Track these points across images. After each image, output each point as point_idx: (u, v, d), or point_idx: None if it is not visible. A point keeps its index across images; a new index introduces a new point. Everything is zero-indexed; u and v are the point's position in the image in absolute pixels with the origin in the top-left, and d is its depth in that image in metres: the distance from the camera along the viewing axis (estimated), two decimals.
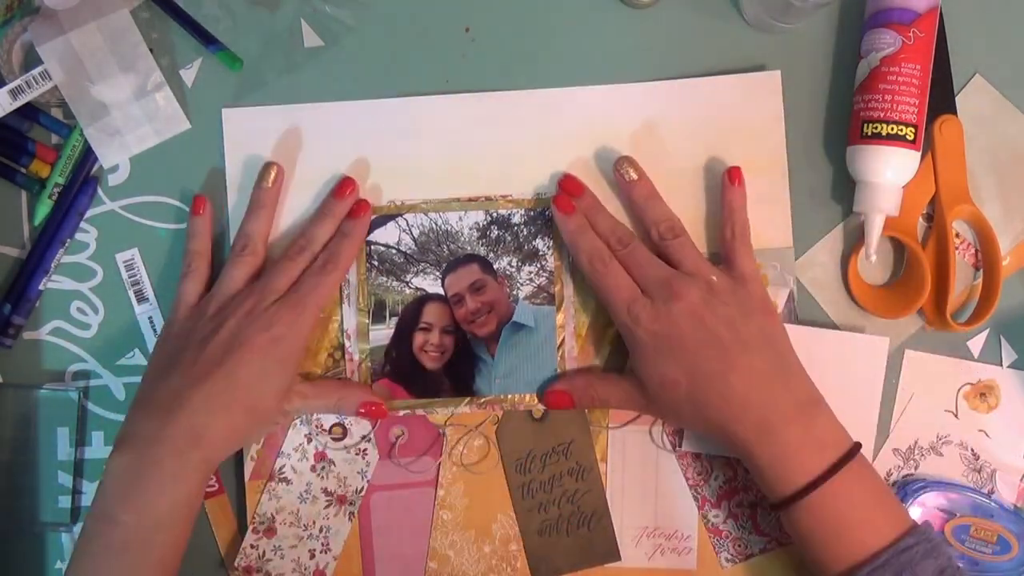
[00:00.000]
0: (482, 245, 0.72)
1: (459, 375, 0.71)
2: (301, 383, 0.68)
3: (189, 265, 0.70)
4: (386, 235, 0.71)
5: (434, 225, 0.71)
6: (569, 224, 0.68)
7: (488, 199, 0.71)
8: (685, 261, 0.67)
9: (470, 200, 0.71)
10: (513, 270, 0.71)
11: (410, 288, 0.71)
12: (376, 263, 0.71)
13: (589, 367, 0.71)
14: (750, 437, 0.63)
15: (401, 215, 0.71)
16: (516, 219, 0.71)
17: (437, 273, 0.71)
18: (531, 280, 0.71)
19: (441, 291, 0.71)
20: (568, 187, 0.70)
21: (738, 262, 0.68)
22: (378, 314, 0.71)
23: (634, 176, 0.69)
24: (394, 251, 0.71)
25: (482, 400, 0.71)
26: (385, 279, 0.71)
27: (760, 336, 0.65)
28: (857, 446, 0.63)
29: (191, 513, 0.63)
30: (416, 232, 0.71)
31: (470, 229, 0.71)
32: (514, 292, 0.71)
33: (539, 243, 0.71)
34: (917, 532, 0.61)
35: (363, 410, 0.69)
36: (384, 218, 0.71)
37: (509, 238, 0.71)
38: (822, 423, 0.63)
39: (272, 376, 0.65)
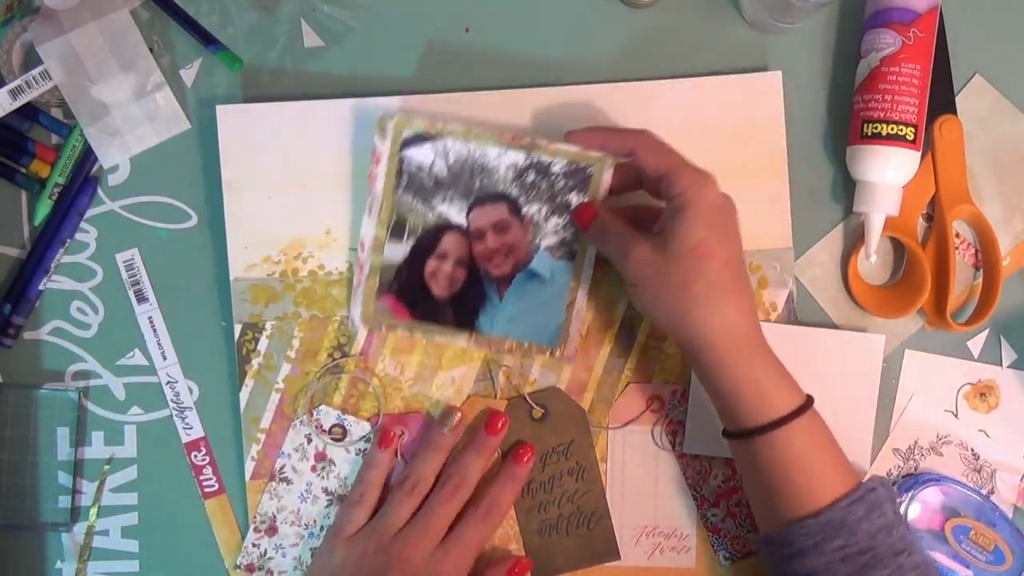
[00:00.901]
0: (515, 186, 0.69)
1: (464, 309, 0.70)
2: None
3: (362, 495, 0.69)
4: (421, 155, 0.69)
5: (472, 155, 0.69)
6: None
7: (534, 142, 0.69)
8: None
9: (514, 139, 0.69)
10: (541, 218, 0.70)
11: (433, 213, 0.70)
12: (405, 181, 0.69)
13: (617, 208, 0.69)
14: (743, 350, 0.61)
15: (441, 138, 0.69)
16: (556, 168, 0.69)
17: (464, 204, 0.70)
18: (556, 232, 0.70)
19: (464, 223, 0.70)
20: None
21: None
22: (396, 231, 0.70)
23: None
24: (425, 174, 0.70)
25: (482, 338, 0.70)
26: (411, 199, 0.70)
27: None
28: (809, 397, 0.63)
29: None
30: (452, 159, 0.69)
31: (507, 168, 0.69)
32: (537, 240, 0.70)
33: (573, 197, 0.69)
34: (864, 487, 0.61)
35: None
36: (422, 137, 0.69)
37: (544, 185, 0.69)
38: (782, 366, 0.63)
39: None
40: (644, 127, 0.70)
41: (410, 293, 0.70)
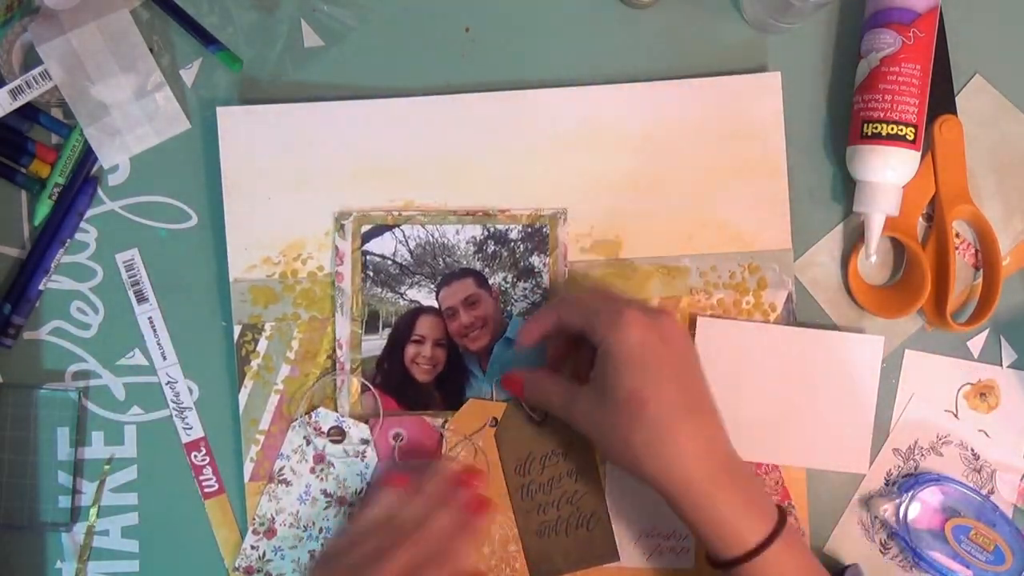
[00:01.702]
0: (478, 259, 0.72)
1: (450, 388, 0.71)
2: None
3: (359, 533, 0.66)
4: (382, 246, 0.71)
5: (431, 238, 0.71)
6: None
7: (486, 214, 0.71)
8: None
9: (468, 214, 0.71)
10: (508, 286, 0.71)
11: (404, 300, 0.71)
12: (371, 273, 0.71)
13: (551, 369, 0.69)
14: (694, 496, 0.60)
15: (398, 226, 0.71)
16: (513, 235, 0.71)
17: (432, 286, 0.71)
18: (525, 296, 0.71)
19: (435, 304, 0.72)
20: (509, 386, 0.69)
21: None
22: (371, 324, 0.71)
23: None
24: (390, 262, 0.71)
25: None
26: (380, 290, 0.71)
27: (709, 395, 0.63)
28: (783, 512, 0.62)
29: None
30: (412, 244, 0.71)
31: (467, 243, 0.71)
32: (508, 308, 0.71)
33: (535, 260, 0.71)
34: None
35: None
36: (381, 228, 0.71)
37: (505, 254, 0.71)
38: (752, 489, 0.62)
39: None
40: (644, 129, 0.70)
41: (394, 383, 0.71)
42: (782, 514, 0.61)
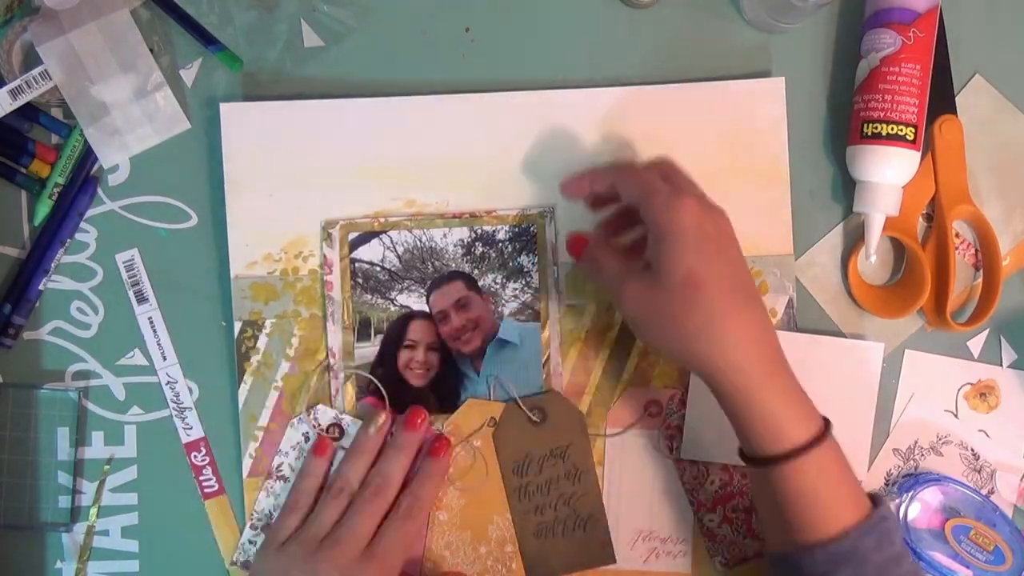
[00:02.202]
0: (467, 262, 0.72)
1: (445, 392, 0.72)
2: None
3: (296, 502, 0.68)
4: (370, 252, 0.71)
5: (418, 242, 0.71)
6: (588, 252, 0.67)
7: (473, 216, 0.71)
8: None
9: (454, 217, 0.71)
10: (498, 287, 0.72)
11: (395, 306, 0.72)
12: (360, 281, 0.71)
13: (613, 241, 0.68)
14: (756, 377, 0.59)
15: (385, 232, 0.71)
16: (501, 235, 0.71)
17: (422, 290, 0.72)
18: (516, 297, 0.71)
19: (426, 308, 0.72)
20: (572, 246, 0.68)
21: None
22: (363, 332, 0.71)
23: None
24: (378, 268, 0.71)
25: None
26: (370, 297, 0.71)
27: (756, 288, 0.63)
28: (827, 421, 0.61)
29: None
30: (400, 249, 0.71)
31: (455, 246, 0.71)
32: (499, 309, 0.72)
33: (524, 260, 0.71)
34: (876, 517, 0.60)
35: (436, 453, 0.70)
36: (368, 235, 0.71)
37: (494, 255, 0.71)
38: (799, 390, 0.61)
39: None
40: (646, 131, 0.70)
41: (389, 389, 0.71)
42: (827, 422, 0.61)
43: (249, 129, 0.72)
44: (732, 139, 0.72)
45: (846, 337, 0.72)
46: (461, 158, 0.72)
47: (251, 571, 0.69)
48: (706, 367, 0.60)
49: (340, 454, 0.71)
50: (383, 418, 0.69)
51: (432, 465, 0.69)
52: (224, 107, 0.72)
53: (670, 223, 0.59)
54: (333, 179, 0.72)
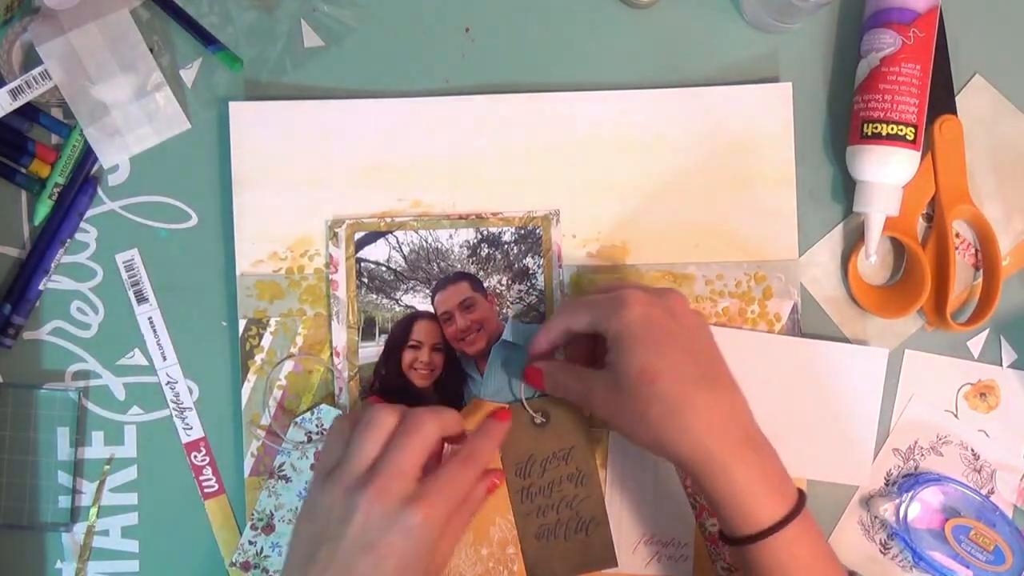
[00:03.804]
0: (472, 263, 0.72)
1: (448, 393, 0.71)
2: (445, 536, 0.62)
3: (342, 430, 0.63)
4: (376, 252, 0.71)
5: (424, 243, 0.71)
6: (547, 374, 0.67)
7: (479, 217, 0.71)
8: None
9: (460, 218, 0.71)
10: (503, 288, 0.72)
11: (400, 306, 0.72)
12: (366, 280, 0.71)
13: (571, 361, 0.68)
14: (710, 468, 0.59)
15: (391, 232, 0.71)
16: (507, 237, 0.71)
17: (427, 291, 0.72)
18: (521, 299, 0.71)
19: (431, 309, 0.72)
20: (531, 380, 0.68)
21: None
22: (368, 331, 0.71)
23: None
24: (384, 268, 0.71)
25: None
26: (375, 296, 0.71)
27: (727, 370, 0.63)
28: (802, 494, 0.61)
29: None
30: (406, 250, 0.71)
31: (460, 247, 0.72)
32: (504, 310, 0.72)
33: (529, 261, 0.71)
34: None
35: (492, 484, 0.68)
36: (374, 235, 0.71)
37: (499, 256, 0.71)
38: (772, 466, 0.61)
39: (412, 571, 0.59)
40: (652, 135, 0.70)
41: (393, 389, 0.71)
42: (801, 497, 0.61)
43: (257, 128, 0.72)
44: (739, 143, 0.72)
45: (847, 338, 0.72)
46: (468, 160, 0.72)
47: (304, 504, 0.63)
48: (672, 455, 0.60)
49: None
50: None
51: (493, 426, 0.66)
52: (233, 106, 0.72)
53: (618, 325, 0.61)
54: (340, 179, 0.72)
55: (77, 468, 0.72)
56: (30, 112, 0.72)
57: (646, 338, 0.60)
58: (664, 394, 0.59)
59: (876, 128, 0.69)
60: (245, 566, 0.71)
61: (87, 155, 0.72)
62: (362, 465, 0.60)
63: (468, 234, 0.71)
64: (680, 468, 0.61)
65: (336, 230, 0.71)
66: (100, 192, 0.73)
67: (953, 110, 0.72)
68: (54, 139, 0.73)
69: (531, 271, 0.72)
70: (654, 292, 0.63)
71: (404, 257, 0.71)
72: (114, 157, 0.73)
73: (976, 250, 0.73)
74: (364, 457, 0.60)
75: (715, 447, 0.59)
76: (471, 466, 0.63)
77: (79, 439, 0.72)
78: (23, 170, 0.73)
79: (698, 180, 0.72)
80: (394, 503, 0.59)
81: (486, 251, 0.71)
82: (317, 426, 0.71)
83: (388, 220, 0.71)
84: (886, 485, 0.72)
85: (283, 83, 0.73)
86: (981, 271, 0.72)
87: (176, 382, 0.73)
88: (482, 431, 0.66)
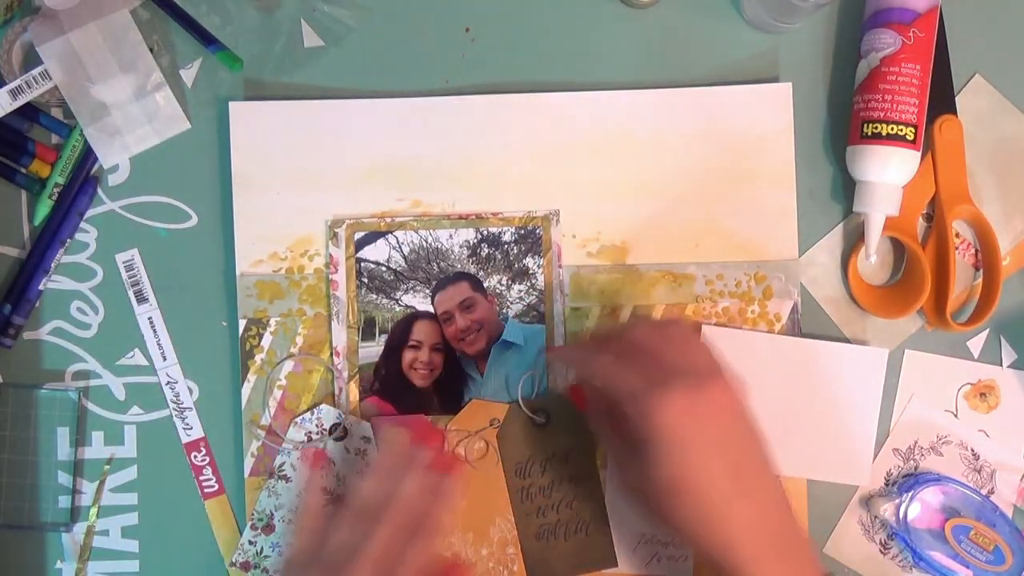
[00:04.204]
0: (472, 263, 0.72)
1: (448, 393, 0.72)
2: None
3: (307, 522, 0.65)
4: (376, 252, 0.71)
5: (424, 243, 0.71)
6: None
7: (479, 217, 0.71)
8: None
9: (460, 218, 0.71)
10: (503, 288, 0.72)
11: (400, 306, 0.72)
12: (366, 280, 0.71)
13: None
14: (740, 571, 0.57)
15: (391, 232, 0.71)
16: (507, 237, 0.71)
17: (427, 291, 0.72)
18: (521, 299, 0.71)
19: (431, 309, 0.72)
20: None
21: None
22: (367, 331, 0.71)
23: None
24: (384, 268, 0.71)
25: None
26: (375, 296, 0.71)
27: (769, 462, 0.60)
28: None
29: None
30: (406, 250, 0.71)
31: (460, 247, 0.71)
32: (504, 310, 0.72)
33: (529, 261, 0.71)
34: None
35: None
36: (374, 235, 0.71)
37: (499, 256, 0.71)
38: (803, 562, 0.59)
39: None
40: (652, 135, 0.70)
41: (393, 389, 0.71)
42: None
43: (257, 128, 0.72)
44: (739, 143, 0.72)
45: (847, 339, 0.72)
46: (467, 160, 0.72)
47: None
48: (701, 552, 0.59)
49: (338, 453, 0.71)
50: (405, 438, 0.67)
51: (447, 483, 0.65)
52: (233, 106, 0.72)
53: (650, 428, 0.57)
54: (340, 179, 0.72)
55: (77, 468, 0.72)
56: (30, 112, 0.72)
57: (678, 446, 0.56)
58: (691, 506, 0.57)
59: (876, 128, 0.69)
60: (245, 566, 0.71)
61: (87, 155, 0.72)
62: (342, 556, 0.60)
63: (468, 234, 0.71)
64: (715, 569, 0.59)
65: (336, 230, 0.71)
66: (100, 192, 0.73)
67: (953, 110, 0.72)
68: (54, 139, 0.73)
69: (531, 271, 0.72)
70: (692, 389, 0.57)
71: (404, 257, 0.71)
72: (114, 157, 0.73)
73: (976, 250, 0.73)
74: (343, 548, 0.61)
75: (745, 555, 0.57)
76: (434, 536, 0.62)
77: (79, 439, 0.72)
78: (23, 170, 0.73)
79: (698, 180, 0.72)
80: None
81: (486, 251, 0.71)
82: (317, 426, 0.71)
83: (388, 220, 0.71)
84: (886, 485, 0.72)
85: (283, 83, 0.73)
86: (981, 271, 0.72)
87: (176, 382, 0.73)
88: (438, 493, 0.64)
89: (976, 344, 0.73)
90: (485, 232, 0.71)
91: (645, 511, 0.62)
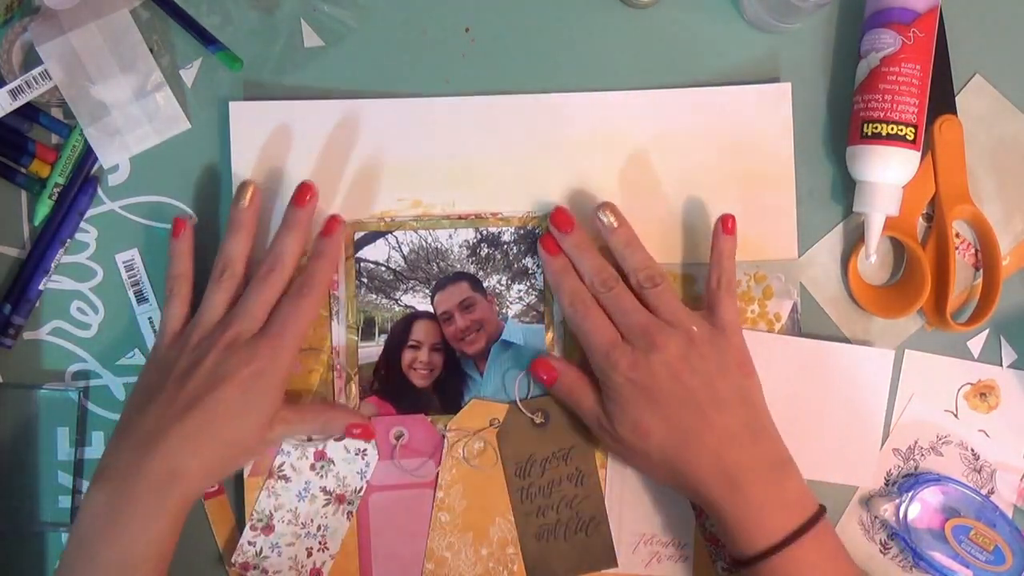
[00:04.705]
0: (472, 263, 0.72)
1: (448, 392, 0.72)
2: (284, 409, 0.66)
3: (171, 289, 0.68)
4: (376, 252, 0.71)
5: (424, 243, 0.71)
6: (553, 265, 0.68)
7: (479, 217, 0.71)
8: (664, 310, 0.65)
9: (460, 218, 0.71)
10: (503, 288, 0.72)
11: (399, 305, 0.72)
12: (365, 280, 0.71)
13: (585, 367, 0.69)
14: (717, 494, 0.62)
15: (391, 232, 0.71)
16: (506, 237, 0.71)
17: (427, 291, 0.72)
18: (520, 299, 0.71)
19: (430, 309, 0.72)
20: (558, 221, 0.68)
21: (721, 311, 0.66)
22: (367, 331, 0.71)
23: (614, 222, 0.68)
24: (383, 268, 0.71)
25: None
26: (374, 296, 0.71)
27: (736, 394, 0.64)
28: (822, 509, 0.62)
29: (169, 549, 0.62)
30: (406, 249, 0.71)
31: (460, 247, 0.72)
32: (503, 310, 0.72)
33: (529, 261, 0.72)
34: None
35: (354, 432, 0.68)
36: (374, 235, 0.71)
37: (499, 256, 0.71)
38: (791, 485, 0.63)
39: (253, 410, 0.64)
40: (652, 135, 0.70)
41: (392, 389, 0.71)
42: (820, 510, 0.62)
43: (257, 128, 0.72)
44: (739, 143, 0.72)
45: (848, 339, 0.72)
46: (467, 160, 0.72)
47: (145, 366, 0.67)
48: (674, 486, 0.65)
49: (338, 453, 0.71)
50: (251, 189, 0.68)
51: (325, 244, 0.68)
52: (233, 106, 0.72)
53: (608, 382, 0.65)
54: (339, 178, 0.72)
55: (77, 468, 0.72)
56: (30, 112, 0.72)
57: (637, 397, 0.64)
58: (654, 447, 0.63)
59: (876, 128, 0.69)
60: (245, 566, 0.71)
61: (87, 155, 0.72)
62: (214, 316, 0.66)
63: (468, 234, 0.71)
64: (695, 499, 0.64)
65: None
66: (100, 192, 0.73)
67: (953, 110, 0.72)
68: (54, 139, 0.73)
69: (531, 271, 0.72)
70: (640, 348, 0.64)
71: (404, 257, 0.71)
72: (114, 157, 0.73)
73: (976, 250, 0.73)
74: (215, 309, 0.66)
75: (712, 482, 0.62)
76: (308, 294, 0.66)
77: (79, 439, 0.72)
78: (23, 170, 0.73)
79: (698, 180, 0.72)
80: (242, 345, 0.64)
81: (486, 251, 0.71)
82: None
83: (388, 220, 0.71)
84: (886, 485, 0.72)
85: (283, 83, 0.73)
86: (981, 271, 0.72)
87: None
88: (315, 253, 0.68)
89: (976, 344, 0.73)
90: (485, 232, 0.71)
91: (624, 457, 0.68)
